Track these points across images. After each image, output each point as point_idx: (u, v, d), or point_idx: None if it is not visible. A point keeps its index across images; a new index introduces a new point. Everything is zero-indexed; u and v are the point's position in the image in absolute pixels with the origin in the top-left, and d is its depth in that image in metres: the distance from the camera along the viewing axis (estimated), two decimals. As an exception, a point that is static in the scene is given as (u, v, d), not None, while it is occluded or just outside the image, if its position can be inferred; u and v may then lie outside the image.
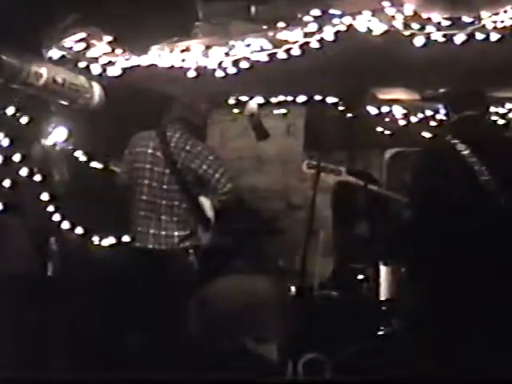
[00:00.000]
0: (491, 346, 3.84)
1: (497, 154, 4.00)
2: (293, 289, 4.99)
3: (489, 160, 3.97)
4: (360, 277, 5.15)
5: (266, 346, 3.99)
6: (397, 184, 5.67)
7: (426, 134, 6.08)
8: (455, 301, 3.92)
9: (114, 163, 5.44)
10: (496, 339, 3.86)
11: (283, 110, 6.34)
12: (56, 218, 5.12)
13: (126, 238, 5.42)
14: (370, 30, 4.32)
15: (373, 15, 4.30)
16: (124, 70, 4.95)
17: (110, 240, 5.53)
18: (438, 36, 4.21)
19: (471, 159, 3.97)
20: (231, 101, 6.24)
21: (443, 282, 3.99)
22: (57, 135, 5.17)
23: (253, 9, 4.64)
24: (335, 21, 4.37)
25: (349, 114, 5.97)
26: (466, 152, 3.99)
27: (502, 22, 4.11)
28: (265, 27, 4.61)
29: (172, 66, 4.89)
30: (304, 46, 4.47)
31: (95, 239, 5.48)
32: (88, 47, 4.87)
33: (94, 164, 5.53)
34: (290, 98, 6.13)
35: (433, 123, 6.13)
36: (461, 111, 4.19)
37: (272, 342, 4.10)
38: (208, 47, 4.78)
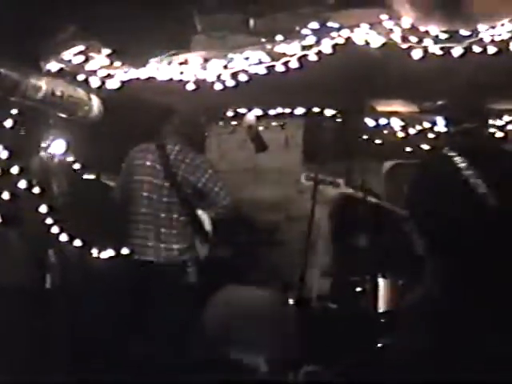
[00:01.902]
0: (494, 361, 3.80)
1: (495, 167, 3.98)
2: (291, 301, 4.99)
3: (487, 173, 3.95)
4: (358, 289, 5.14)
5: (262, 359, 4.01)
6: (395, 196, 5.67)
7: (424, 147, 6.09)
8: (452, 314, 3.89)
9: (107, 177, 5.44)
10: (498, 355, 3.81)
11: (281, 122, 6.37)
12: (54, 230, 5.11)
13: (125, 251, 5.42)
14: (367, 43, 4.34)
15: (371, 28, 4.32)
16: (123, 82, 4.96)
17: (108, 252, 5.52)
18: (435, 49, 4.22)
19: (469, 172, 3.96)
20: (229, 113, 6.26)
21: (442, 294, 3.96)
22: (55, 147, 5.18)
23: (251, 22, 4.65)
24: (333, 34, 4.38)
25: (347, 126, 6.00)
26: (464, 165, 3.98)
27: (500, 35, 4.12)
28: (263, 40, 4.61)
29: (171, 79, 4.90)
30: (302, 59, 4.48)
31: (94, 251, 5.47)
32: (87, 60, 4.87)
33: (88, 176, 5.54)
34: (288, 110, 6.15)
35: (431, 135, 6.14)
36: (459, 124, 4.18)
37: (269, 355, 4.11)
38: (206, 60, 4.79)
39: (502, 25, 4.07)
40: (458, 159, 3.99)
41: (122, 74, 4.93)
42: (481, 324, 3.73)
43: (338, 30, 4.37)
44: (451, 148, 4.06)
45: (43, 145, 5.14)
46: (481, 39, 4.12)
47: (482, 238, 3.84)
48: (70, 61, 4.89)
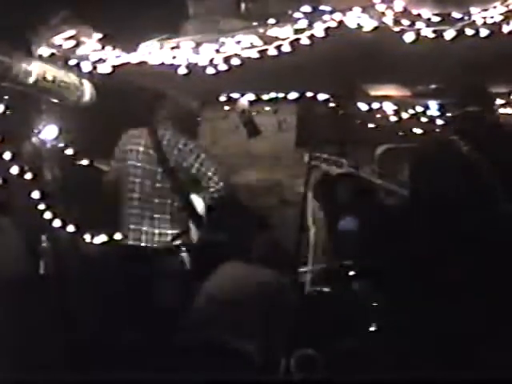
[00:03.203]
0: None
1: (499, 151, 3.94)
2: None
3: (490, 157, 3.91)
4: (351, 273, 5.14)
5: (255, 342, 4.01)
6: (388, 180, 5.66)
7: (418, 131, 6.09)
8: (448, 298, 3.89)
9: (99, 161, 5.43)
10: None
11: (274, 107, 6.35)
12: (47, 215, 5.11)
13: (118, 236, 5.41)
14: (360, 27, 4.33)
15: (363, 11, 4.31)
16: (114, 67, 4.94)
17: (101, 238, 5.52)
18: (427, 32, 4.22)
19: (472, 156, 3.92)
20: (222, 98, 6.24)
21: (436, 281, 3.95)
22: (47, 133, 5.16)
23: (243, 6, 4.65)
24: (325, 17, 4.37)
25: (340, 111, 5.99)
26: (467, 148, 3.95)
27: (492, 17, 4.12)
28: (255, 24, 4.61)
29: (162, 63, 4.88)
30: (294, 43, 4.47)
31: (87, 237, 5.47)
32: (78, 45, 4.86)
33: (81, 161, 5.53)
34: (281, 95, 6.13)
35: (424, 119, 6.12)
36: (463, 106, 4.14)
37: (263, 339, 4.11)
38: (198, 44, 4.78)
39: (495, 7, 4.07)
40: (460, 143, 3.96)
41: (114, 58, 4.91)
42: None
43: (331, 13, 4.36)
44: (454, 132, 4.03)
45: (35, 130, 5.12)
46: (473, 22, 4.12)
47: (484, 222, 3.80)
48: (61, 45, 4.87)
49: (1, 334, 4.36)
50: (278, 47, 4.51)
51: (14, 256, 4.88)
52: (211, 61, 4.77)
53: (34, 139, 5.10)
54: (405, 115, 6.22)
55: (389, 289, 4.78)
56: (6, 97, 4.76)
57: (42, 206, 5.06)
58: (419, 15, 4.23)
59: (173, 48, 4.83)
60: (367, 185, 5.13)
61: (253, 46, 4.60)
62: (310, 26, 4.40)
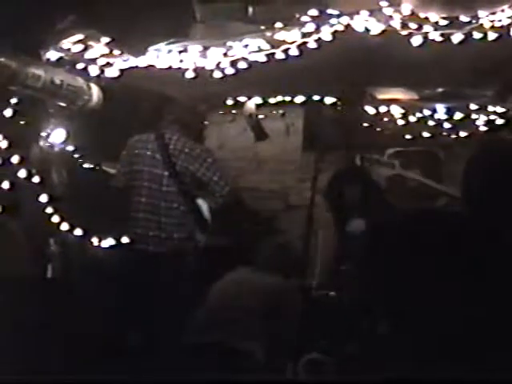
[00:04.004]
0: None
1: None
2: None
3: None
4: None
5: (261, 345, 4.00)
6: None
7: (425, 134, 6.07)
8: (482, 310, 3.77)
9: (107, 164, 5.44)
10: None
11: (281, 111, 6.34)
12: (55, 219, 5.11)
13: (125, 240, 5.41)
14: (367, 30, 4.32)
15: (370, 15, 4.31)
16: (122, 71, 4.94)
17: (109, 241, 5.52)
18: (435, 35, 4.21)
19: None
20: (229, 101, 6.24)
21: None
22: (55, 136, 5.17)
23: (250, 9, 4.65)
24: (333, 21, 4.37)
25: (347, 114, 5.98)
26: None
27: (500, 21, 4.11)
28: (262, 27, 4.61)
29: (170, 67, 4.89)
30: (302, 46, 4.47)
31: (94, 240, 5.47)
32: (86, 48, 4.86)
33: (89, 165, 5.54)
34: (288, 98, 6.13)
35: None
36: None
37: (270, 342, 4.10)
38: (206, 48, 4.78)
39: (503, 10, 4.06)
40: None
41: (121, 62, 4.91)
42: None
43: (338, 16, 4.36)
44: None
45: (43, 134, 5.13)
46: (481, 25, 4.11)
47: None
48: (69, 49, 4.88)
49: (7, 334, 4.36)
50: (286, 51, 4.51)
51: (22, 258, 4.89)
52: (218, 65, 4.77)
53: (42, 143, 5.12)
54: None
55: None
56: (15, 101, 4.76)
57: (49, 210, 5.07)
58: (427, 18, 4.22)
59: (180, 52, 4.84)
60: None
61: (260, 50, 4.60)
62: (318, 29, 4.39)
